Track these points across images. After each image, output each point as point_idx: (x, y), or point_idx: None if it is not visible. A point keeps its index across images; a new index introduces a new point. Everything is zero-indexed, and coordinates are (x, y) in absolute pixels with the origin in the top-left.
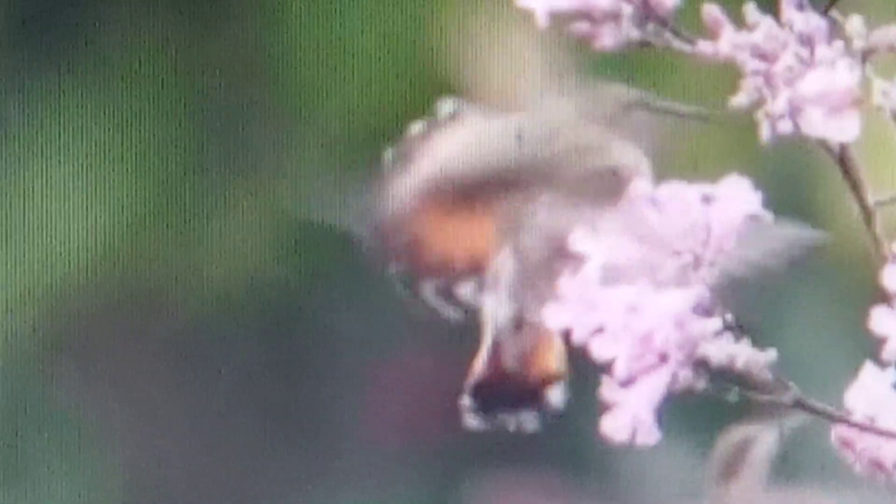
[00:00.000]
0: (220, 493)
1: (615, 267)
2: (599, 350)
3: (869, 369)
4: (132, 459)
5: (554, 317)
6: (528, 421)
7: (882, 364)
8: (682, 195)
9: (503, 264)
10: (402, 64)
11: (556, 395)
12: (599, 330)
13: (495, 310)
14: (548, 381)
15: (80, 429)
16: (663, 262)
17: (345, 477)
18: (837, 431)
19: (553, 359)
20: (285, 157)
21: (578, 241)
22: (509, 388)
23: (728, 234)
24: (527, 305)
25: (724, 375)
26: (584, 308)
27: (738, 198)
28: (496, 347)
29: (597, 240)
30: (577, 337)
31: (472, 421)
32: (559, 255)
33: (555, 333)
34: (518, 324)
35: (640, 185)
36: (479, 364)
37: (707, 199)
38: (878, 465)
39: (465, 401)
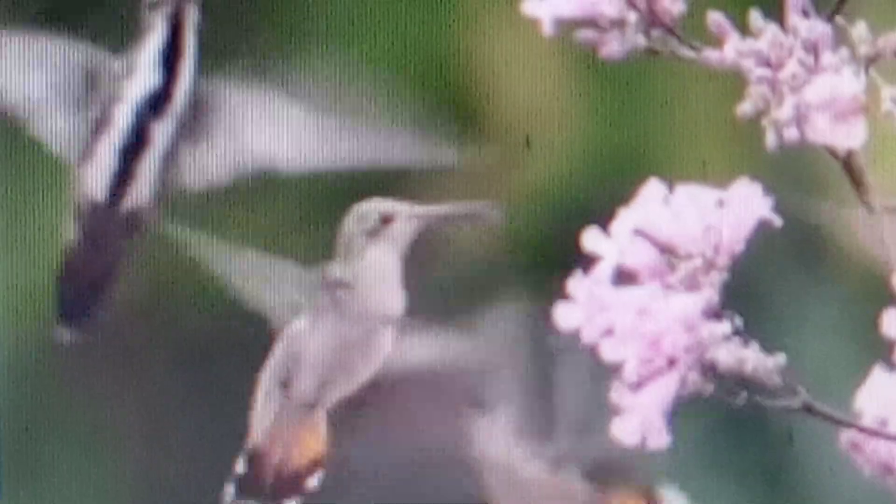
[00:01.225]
0: None
1: (626, 268)
2: (609, 352)
3: (878, 372)
4: (143, 463)
5: (565, 316)
6: None
7: (892, 367)
8: (698, 198)
9: (276, 366)
10: (411, 80)
11: (314, 482)
12: (609, 331)
13: (265, 406)
14: (310, 469)
15: (90, 433)
16: (675, 265)
17: (349, 481)
18: (847, 435)
19: (316, 444)
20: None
21: (591, 240)
22: (275, 480)
23: (738, 239)
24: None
25: (732, 379)
26: (594, 308)
27: (749, 202)
28: (267, 441)
29: (609, 240)
30: (587, 337)
31: None
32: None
33: (319, 422)
34: (285, 419)
35: (656, 187)
36: (246, 458)
37: (720, 204)
38: (887, 469)
39: (229, 492)
